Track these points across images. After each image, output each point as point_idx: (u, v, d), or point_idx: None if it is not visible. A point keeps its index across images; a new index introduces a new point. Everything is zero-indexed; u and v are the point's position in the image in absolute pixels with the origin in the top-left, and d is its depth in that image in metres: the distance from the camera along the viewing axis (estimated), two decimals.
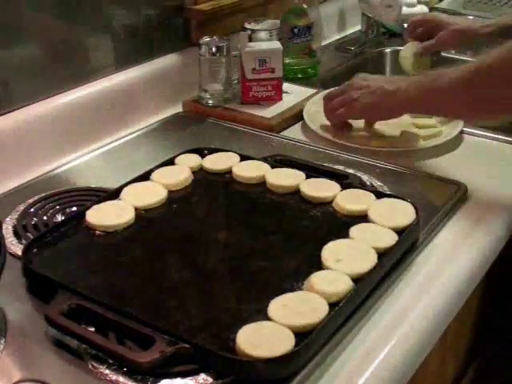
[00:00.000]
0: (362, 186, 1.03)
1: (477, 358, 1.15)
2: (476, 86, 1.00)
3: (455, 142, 1.19)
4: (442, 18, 1.46)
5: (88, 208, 0.95)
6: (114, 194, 0.99)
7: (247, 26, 1.40)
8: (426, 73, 1.13)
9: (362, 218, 0.93)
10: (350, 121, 1.23)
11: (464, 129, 1.22)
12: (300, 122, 1.29)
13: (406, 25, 1.81)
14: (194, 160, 1.08)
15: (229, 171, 1.06)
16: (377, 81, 1.16)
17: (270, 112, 1.30)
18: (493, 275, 0.98)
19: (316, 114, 1.28)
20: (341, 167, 1.09)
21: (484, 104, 1.01)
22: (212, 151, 1.11)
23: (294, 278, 0.82)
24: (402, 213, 0.92)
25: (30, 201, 1.01)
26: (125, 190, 0.99)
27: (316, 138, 1.22)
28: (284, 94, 1.34)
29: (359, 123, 1.25)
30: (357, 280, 0.80)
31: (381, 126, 1.22)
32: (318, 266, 0.84)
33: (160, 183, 1.01)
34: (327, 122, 1.26)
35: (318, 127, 1.24)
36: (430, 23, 1.46)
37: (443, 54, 1.69)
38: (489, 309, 1.10)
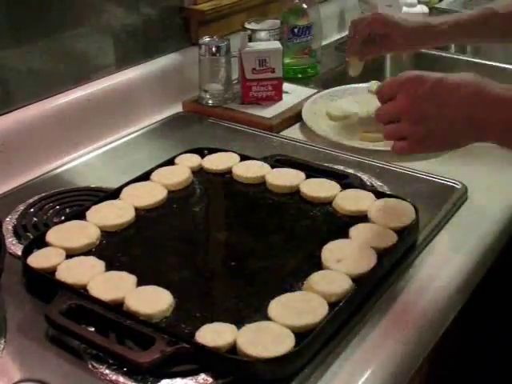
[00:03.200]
0: (362, 186, 1.03)
1: (476, 357, 1.15)
2: None
3: None
4: (388, 17, 1.22)
5: (88, 208, 0.95)
6: (114, 194, 0.99)
7: (247, 25, 1.40)
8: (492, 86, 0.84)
9: (362, 218, 0.93)
10: None
11: None
12: (300, 122, 1.29)
13: None
14: (193, 160, 1.08)
15: (229, 171, 1.06)
16: (440, 102, 0.85)
17: (269, 112, 1.30)
18: (492, 274, 0.98)
19: (315, 114, 1.28)
20: (341, 167, 1.09)
21: None
22: (212, 151, 1.11)
23: (293, 278, 0.82)
24: (402, 213, 0.93)
25: (30, 201, 1.01)
26: (125, 189, 0.99)
27: (316, 138, 1.22)
28: (284, 94, 1.34)
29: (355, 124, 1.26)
30: (357, 280, 0.80)
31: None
32: (318, 265, 0.84)
33: (160, 183, 1.01)
34: (326, 122, 1.26)
35: (317, 127, 1.24)
36: (375, 24, 1.23)
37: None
38: (489, 307, 1.10)
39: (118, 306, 0.77)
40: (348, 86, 1.39)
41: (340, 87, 1.39)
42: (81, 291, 0.79)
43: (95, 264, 0.84)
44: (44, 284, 0.82)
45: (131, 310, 0.76)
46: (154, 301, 0.77)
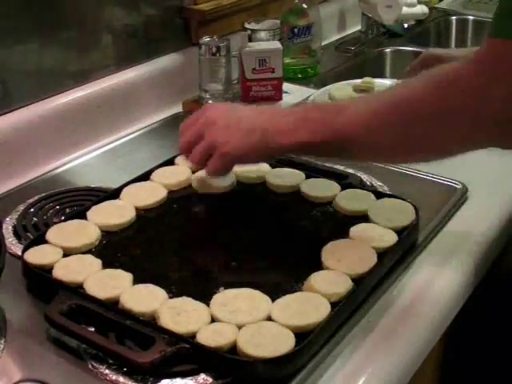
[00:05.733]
0: (362, 186, 1.03)
1: (477, 357, 1.15)
2: (393, 124, 0.81)
3: None
4: (441, 54, 1.15)
5: (88, 208, 0.95)
6: (114, 194, 0.99)
7: (247, 26, 1.40)
8: (317, 105, 0.94)
9: (362, 217, 0.93)
10: None
11: None
12: None
13: (406, 25, 1.82)
14: None
15: None
16: (243, 115, 0.93)
17: None
18: (492, 274, 0.98)
19: None
20: (341, 167, 1.09)
21: (403, 145, 0.83)
22: None
23: (294, 278, 0.82)
24: (402, 213, 0.92)
25: (30, 201, 1.01)
26: (125, 190, 0.99)
27: None
28: (284, 94, 1.34)
29: None
30: (357, 280, 0.80)
31: None
32: (318, 266, 0.84)
33: (160, 183, 1.01)
34: None
35: None
36: (429, 63, 1.06)
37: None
38: (490, 307, 1.10)
39: (114, 304, 0.77)
40: (344, 82, 1.39)
41: (335, 84, 1.39)
42: (80, 291, 0.79)
43: (92, 262, 0.84)
44: (42, 282, 0.82)
45: (125, 308, 0.76)
46: (148, 299, 0.77)
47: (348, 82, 1.38)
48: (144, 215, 0.96)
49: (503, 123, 0.74)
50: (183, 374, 0.71)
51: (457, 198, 1.02)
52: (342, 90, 1.36)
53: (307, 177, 1.03)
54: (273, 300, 0.77)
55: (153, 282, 0.81)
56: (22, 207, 0.99)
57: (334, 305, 0.76)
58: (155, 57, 1.34)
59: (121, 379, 0.70)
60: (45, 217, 0.97)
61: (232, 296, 0.78)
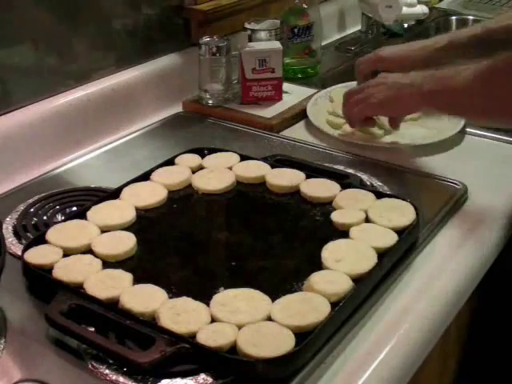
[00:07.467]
0: (362, 186, 1.03)
1: (477, 357, 1.15)
2: (492, 86, 0.97)
3: (455, 141, 1.19)
4: (390, 52, 1.27)
5: (88, 208, 0.95)
6: (114, 194, 0.99)
7: (247, 26, 1.40)
8: (441, 69, 1.08)
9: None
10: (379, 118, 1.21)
11: (465, 128, 1.22)
12: (300, 122, 1.29)
13: (406, 25, 1.82)
14: (193, 160, 1.08)
15: None
16: (394, 76, 1.13)
17: (270, 112, 1.30)
18: (492, 274, 0.98)
19: (318, 112, 1.29)
20: (341, 167, 1.09)
21: (499, 105, 0.98)
22: (212, 151, 1.11)
23: (294, 278, 0.82)
24: (402, 213, 0.92)
25: (30, 201, 1.01)
26: (125, 190, 0.99)
27: (316, 138, 1.22)
28: (284, 94, 1.34)
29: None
30: (357, 280, 0.80)
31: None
32: (318, 266, 0.84)
33: (160, 183, 1.01)
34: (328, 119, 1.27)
35: (321, 124, 1.24)
36: (378, 61, 1.27)
37: None
38: (490, 307, 1.10)
39: (114, 305, 0.77)
40: (344, 84, 1.39)
41: (335, 86, 1.39)
42: (80, 291, 0.79)
43: (92, 262, 0.84)
44: (42, 282, 0.82)
45: (125, 308, 0.76)
46: (148, 299, 0.77)
47: (347, 84, 1.38)
48: (144, 215, 0.96)
49: None
50: (183, 374, 0.71)
51: (457, 198, 1.02)
52: (343, 92, 1.35)
53: (307, 177, 1.03)
54: (273, 300, 0.78)
55: (153, 282, 0.81)
56: (22, 207, 0.99)
57: (334, 305, 0.76)
58: (155, 57, 1.34)
59: (121, 379, 0.70)
60: (45, 217, 0.97)
61: (232, 296, 0.78)
